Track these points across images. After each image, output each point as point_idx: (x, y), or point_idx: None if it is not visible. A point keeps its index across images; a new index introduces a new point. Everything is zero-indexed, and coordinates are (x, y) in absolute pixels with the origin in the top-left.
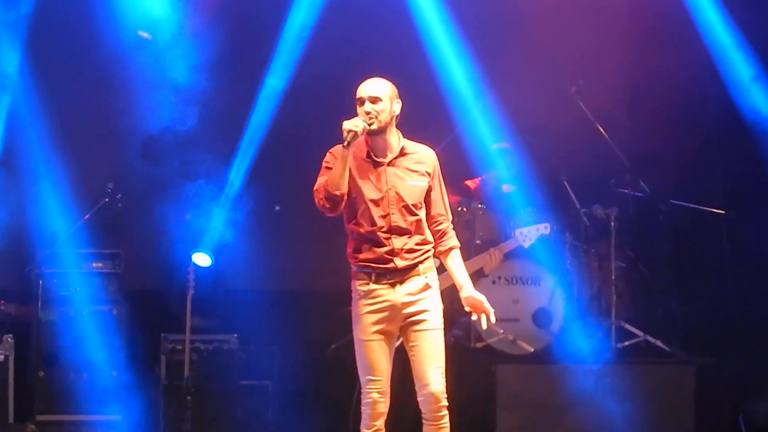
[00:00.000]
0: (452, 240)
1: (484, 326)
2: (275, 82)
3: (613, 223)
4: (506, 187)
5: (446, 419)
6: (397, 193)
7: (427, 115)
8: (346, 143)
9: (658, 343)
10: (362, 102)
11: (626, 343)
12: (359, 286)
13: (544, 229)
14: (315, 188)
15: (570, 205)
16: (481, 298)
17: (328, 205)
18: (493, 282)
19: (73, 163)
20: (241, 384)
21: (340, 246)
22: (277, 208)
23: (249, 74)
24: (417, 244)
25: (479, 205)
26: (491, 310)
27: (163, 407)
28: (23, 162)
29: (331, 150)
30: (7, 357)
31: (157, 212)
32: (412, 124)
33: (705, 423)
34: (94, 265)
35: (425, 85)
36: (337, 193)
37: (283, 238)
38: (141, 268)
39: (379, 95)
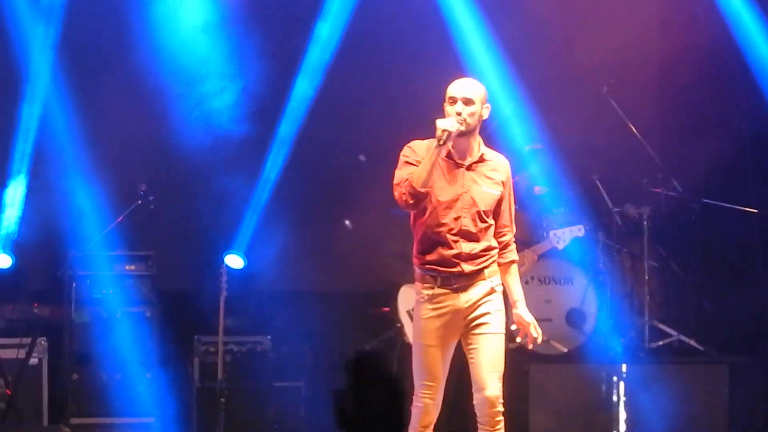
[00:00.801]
0: (513, 253)
1: (529, 346)
2: (306, 83)
3: (645, 223)
4: (538, 189)
5: (502, 424)
6: (472, 198)
7: None
8: (441, 142)
9: (692, 342)
10: (454, 101)
11: (659, 342)
12: (424, 290)
13: (578, 231)
14: (396, 182)
15: (602, 205)
16: (530, 320)
17: (411, 201)
18: (527, 282)
19: (105, 165)
20: (274, 385)
21: (372, 246)
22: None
23: (283, 74)
24: (483, 250)
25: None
26: (539, 333)
27: (196, 409)
28: (56, 164)
29: (409, 144)
30: (40, 359)
31: (190, 213)
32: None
33: (738, 422)
34: (126, 267)
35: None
36: (423, 189)
37: (316, 238)
38: (174, 270)
39: (473, 97)
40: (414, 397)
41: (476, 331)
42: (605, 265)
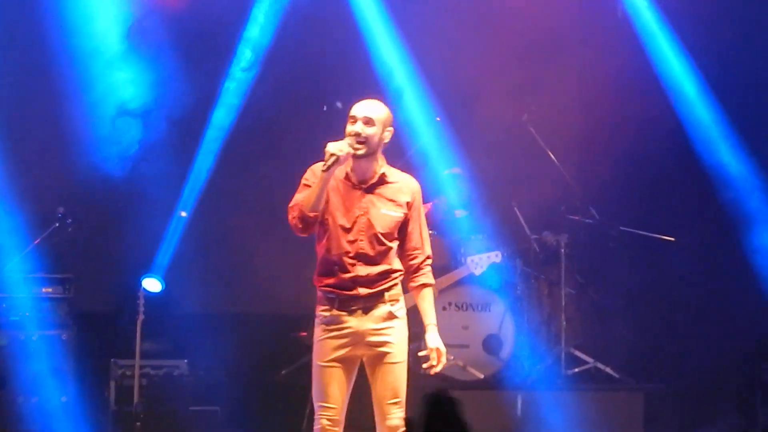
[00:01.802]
0: (425, 277)
1: (431, 372)
2: (231, 98)
3: (563, 250)
4: (459, 213)
5: None
6: (369, 221)
7: None
8: (326, 167)
9: (608, 369)
10: (354, 120)
11: (576, 369)
12: (321, 311)
13: (495, 257)
14: (290, 205)
15: (520, 231)
16: (435, 346)
17: (300, 225)
18: (444, 308)
19: (22, 187)
20: (191, 409)
21: (292, 269)
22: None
23: (205, 87)
24: (382, 273)
25: (430, 232)
26: (441, 363)
27: None
28: None
29: (312, 167)
30: None
31: (108, 236)
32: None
33: None
34: (44, 289)
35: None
36: (311, 214)
37: (235, 261)
38: (91, 293)
39: (373, 118)
40: (315, 421)
41: (377, 360)
42: (523, 291)
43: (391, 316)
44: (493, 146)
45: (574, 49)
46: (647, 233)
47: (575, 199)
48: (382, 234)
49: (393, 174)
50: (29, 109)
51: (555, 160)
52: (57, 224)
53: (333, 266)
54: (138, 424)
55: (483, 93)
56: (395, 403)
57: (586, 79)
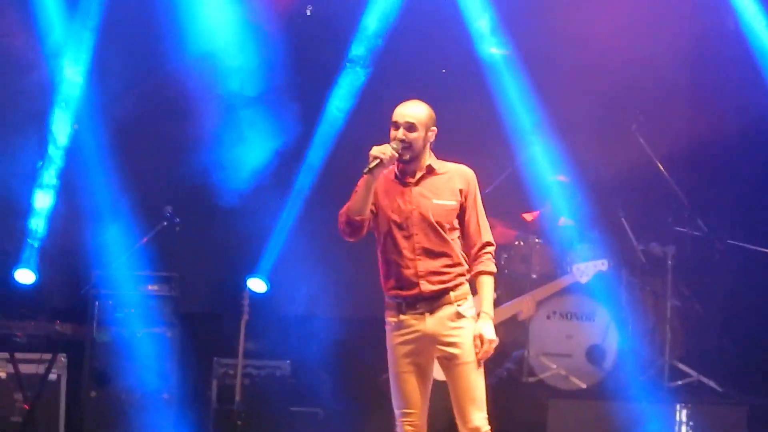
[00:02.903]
0: (483, 264)
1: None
2: (337, 107)
3: (669, 261)
4: (563, 220)
5: None
6: (421, 213)
7: (488, 146)
8: (367, 170)
9: (711, 383)
10: (397, 126)
11: (679, 382)
12: (389, 318)
13: (601, 265)
14: (340, 212)
15: (627, 242)
16: (486, 337)
17: (347, 230)
18: (548, 317)
19: (132, 184)
20: (291, 410)
21: None
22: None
23: (310, 98)
24: (445, 267)
25: (536, 240)
26: (485, 352)
27: (213, 431)
28: (83, 182)
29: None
30: (59, 376)
31: (215, 236)
32: (473, 155)
33: None
34: (149, 287)
35: (487, 116)
36: (357, 218)
37: (339, 264)
38: (196, 292)
39: (416, 122)
40: (396, 427)
41: (449, 362)
42: (628, 302)
43: (458, 316)
44: (601, 155)
45: (685, 58)
46: (755, 247)
47: (683, 210)
48: (439, 224)
49: (443, 165)
50: (143, 110)
51: (663, 171)
52: (165, 223)
53: (394, 266)
54: (239, 423)
55: (592, 101)
56: (473, 404)
57: (696, 88)
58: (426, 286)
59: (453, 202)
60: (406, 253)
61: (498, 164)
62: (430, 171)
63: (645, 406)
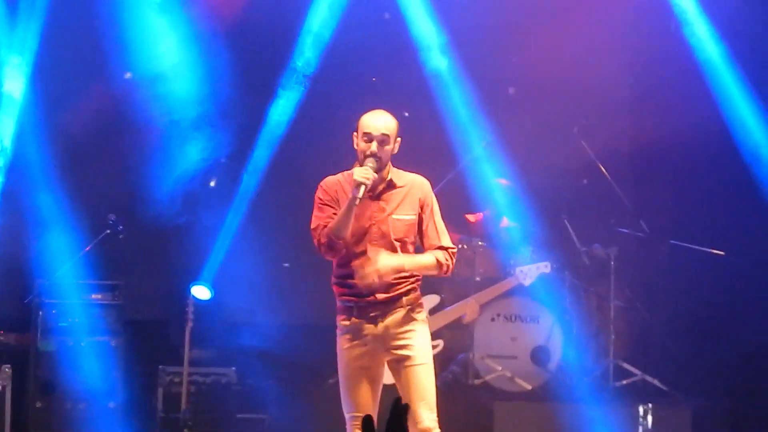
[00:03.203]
0: (440, 254)
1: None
2: (279, 114)
3: (612, 263)
4: (506, 221)
5: None
6: (380, 229)
7: (430, 149)
8: (358, 195)
9: (656, 382)
10: (370, 139)
11: (624, 381)
12: (341, 322)
13: (544, 267)
14: (313, 227)
15: (570, 244)
16: (379, 264)
17: (328, 251)
18: (492, 319)
19: (75, 193)
20: (238, 417)
21: None
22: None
23: (252, 106)
24: (399, 278)
25: (480, 243)
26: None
27: None
28: (25, 191)
29: (322, 185)
30: (4, 387)
31: (158, 244)
32: (415, 158)
33: None
34: (93, 296)
35: (429, 118)
36: (340, 241)
37: (283, 271)
38: (140, 300)
39: (389, 134)
40: (346, 431)
41: (400, 364)
42: (571, 304)
43: (410, 319)
44: (543, 158)
45: (626, 62)
46: (698, 247)
47: (625, 212)
48: (396, 240)
49: (401, 177)
50: (87, 118)
51: (605, 173)
52: (108, 231)
53: (349, 276)
54: (185, 430)
55: (533, 104)
56: (424, 405)
57: (637, 91)
58: (380, 296)
59: (412, 216)
60: (361, 265)
61: (442, 166)
62: (391, 185)
63: (590, 407)
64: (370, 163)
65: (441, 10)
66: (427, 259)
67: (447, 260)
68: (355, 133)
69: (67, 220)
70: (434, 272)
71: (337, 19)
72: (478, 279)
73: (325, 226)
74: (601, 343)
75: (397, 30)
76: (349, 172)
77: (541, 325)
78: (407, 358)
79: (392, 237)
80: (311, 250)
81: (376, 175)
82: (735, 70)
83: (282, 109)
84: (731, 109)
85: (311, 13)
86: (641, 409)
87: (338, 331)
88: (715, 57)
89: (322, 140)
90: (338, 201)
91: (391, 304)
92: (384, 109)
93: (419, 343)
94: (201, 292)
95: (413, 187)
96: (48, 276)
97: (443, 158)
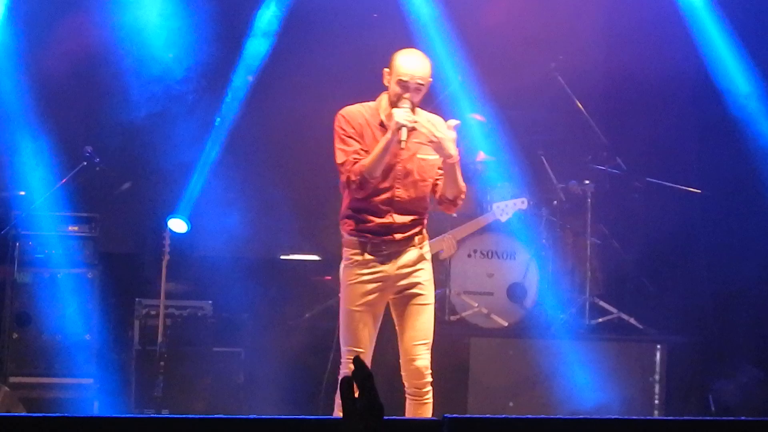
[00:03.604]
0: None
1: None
2: (258, 45)
3: (589, 200)
4: (482, 155)
5: (430, 395)
6: (405, 167)
7: None
8: (402, 140)
9: (631, 320)
10: (406, 86)
11: (599, 319)
12: (352, 255)
13: (521, 203)
14: (340, 161)
15: (547, 180)
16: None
17: (358, 188)
18: (468, 255)
19: (51, 125)
20: (214, 350)
21: (316, 214)
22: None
23: (233, 34)
24: (416, 219)
25: None
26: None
27: (135, 372)
28: (1, 124)
29: (344, 115)
30: None
31: (136, 176)
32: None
33: (674, 401)
34: (70, 228)
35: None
36: (374, 179)
37: (260, 205)
38: (117, 233)
39: (425, 82)
40: (341, 364)
41: (408, 301)
42: (548, 240)
43: (420, 258)
44: (520, 94)
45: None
46: (673, 184)
47: (602, 148)
48: (418, 180)
49: (425, 117)
50: (61, 49)
51: (582, 109)
52: (85, 163)
53: (366, 212)
54: (161, 363)
55: (510, 40)
56: (424, 344)
57: (614, 27)
58: (398, 236)
59: (435, 156)
60: (383, 203)
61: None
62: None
63: (566, 343)
64: (406, 104)
65: None
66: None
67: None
68: (386, 70)
69: (44, 152)
70: (456, 194)
71: None
72: (454, 215)
73: (355, 162)
74: (576, 281)
75: None
76: (369, 104)
77: (517, 262)
78: (416, 296)
79: (416, 176)
80: (289, 184)
81: (414, 115)
82: (713, 8)
83: (260, 40)
84: (708, 46)
85: None
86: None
87: (345, 263)
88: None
89: (301, 72)
90: (362, 135)
91: (405, 243)
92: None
93: (428, 282)
94: (178, 225)
95: (435, 126)
96: (24, 208)
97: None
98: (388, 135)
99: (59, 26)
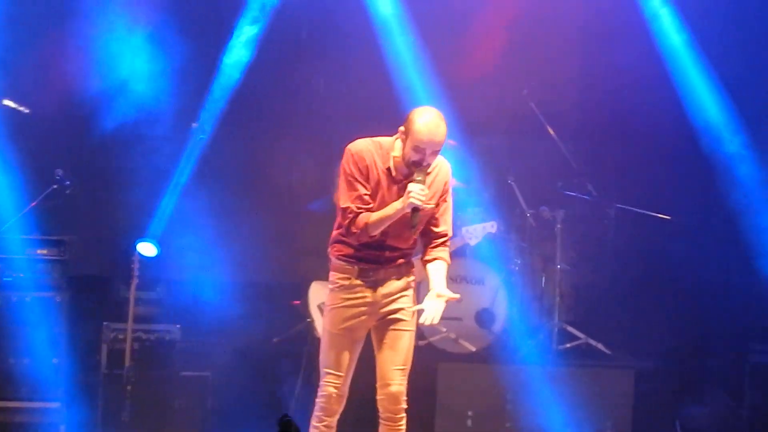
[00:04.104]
0: (442, 252)
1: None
2: (231, 71)
3: (559, 225)
4: (453, 182)
5: (404, 421)
6: (402, 216)
7: (379, 109)
8: (414, 225)
9: (599, 346)
10: (423, 153)
11: (568, 345)
12: (339, 279)
13: (491, 227)
14: (343, 206)
15: (517, 206)
16: (436, 316)
17: (356, 238)
18: None
19: (22, 147)
20: (182, 375)
21: (286, 238)
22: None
23: (207, 58)
24: (406, 254)
25: None
26: (431, 317)
27: (102, 396)
28: None
29: (354, 154)
30: None
31: (105, 200)
32: (365, 119)
33: (642, 426)
34: (39, 251)
35: (378, 80)
36: (374, 236)
37: (229, 228)
38: (86, 256)
39: (442, 146)
40: (319, 387)
41: (389, 326)
42: (517, 266)
43: (406, 286)
44: (492, 120)
45: (577, 25)
46: (643, 211)
47: (573, 175)
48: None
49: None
50: (33, 70)
51: (554, 135)
52: (55, 186)
53: (359, 245)
54: (129, 387)
55: (484, 66)
56: (401, 370)
57: (587, 54)
58: (384, 265)
59: (432, 206)
60: (377, 241)
61: (390, 127)
62: None
63: (534, 369)
64: (421, 176)
65: None
66: (444, 270)
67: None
68: (402, 130)
69: (13, 174)
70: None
71: None
72: None
73: (358, 214)
74: (545, 306)
75: None
76: (380, 141)
77: (486, 287)
78: (398, 321)
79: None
80: (259, 207)
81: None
82: (686, 38)
83: (235, 59)
84: (679, 74)
85: None
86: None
87: (332, 286)
88: (666, 23)
89: (276, 94)
90: (368, 177)
91: (392, 271)
92: (434, 109)
93: (411, 310)
94: (147, 248)
95: (439, 173)
96: None
97: (392, 118)
98: (398, 205)
99: (30, 50)
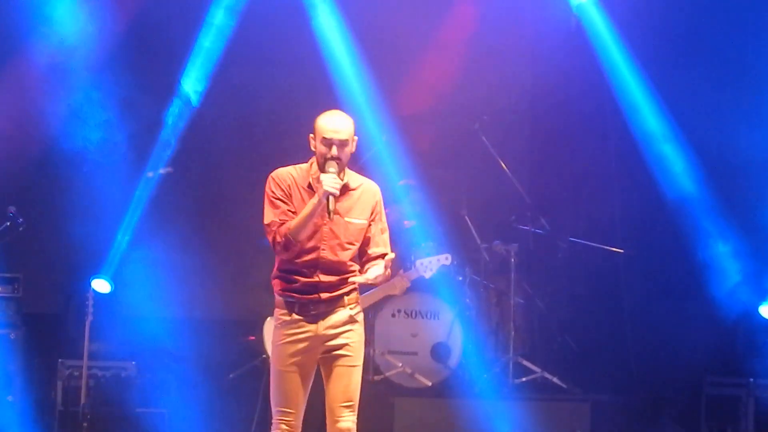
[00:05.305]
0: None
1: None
2: (186, 104)
3: (513, 259)
4: (407, 223)
5: None
6: (331, 230)
7: None
8: (330, 211)
9: (555, 379)
10: (329, 144)
11: (523, 378)
12: (280, 315)
13: (445, 259)
14: (267, 222)
15: (471, 240)
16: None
17: (283, 250)
18: (393, 315)
19: None
20: (138, 411)
21: (241, 274)
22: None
23: (160, 96)
24: (343, 278)
25: None
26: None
27: None
28: None
29: (274, 177)
30: None
31: (59, 237)
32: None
33: None
34: None
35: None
36: (299, 241)
37: (183, 265)
38: (40, 293)
39: (347, 138)
40: (272, 425)
41: (334, 362)
42: (472, 300)
43: (351, 320)
44: (444, 154)
45: (527, 60)
46: (596, 244)
47: (526, 209)
48: (345, 242)
49: (354, 179)
50: None
51: (506, 170)
52: (8, 223)
53: (295, 272)
54: (85, 424)
55: (434, 100)
56: (348, 407)
57: (538, 90)
58: (325, 295)
59: (363, 221)
60: (310, 264)
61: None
62: (345, 187)
63: (490, 403)
64: (333, 168)
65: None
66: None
67: (389, 268)
68: (311, 136)
69: None
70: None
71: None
72: None
73: (281, 224)
74: (500, 340)
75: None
76: (301, 166)
77: (441, 322)
78: (343, 357)
79: (342, 239)
80: (213, 244)
81: (342, 180)
82: (636, 70)
83: (192, 86)
84: (632, 109)
85: None
86: None
87: (276, 324)
88: (616, 57)
89: (225, 135)
90: (290, 196)
91: (333, 303)
92: (339, 110)
93: (356, 344)
94: (101, 285)
95: (366, 192)
96: None
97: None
98: (315, 200)
99: None
